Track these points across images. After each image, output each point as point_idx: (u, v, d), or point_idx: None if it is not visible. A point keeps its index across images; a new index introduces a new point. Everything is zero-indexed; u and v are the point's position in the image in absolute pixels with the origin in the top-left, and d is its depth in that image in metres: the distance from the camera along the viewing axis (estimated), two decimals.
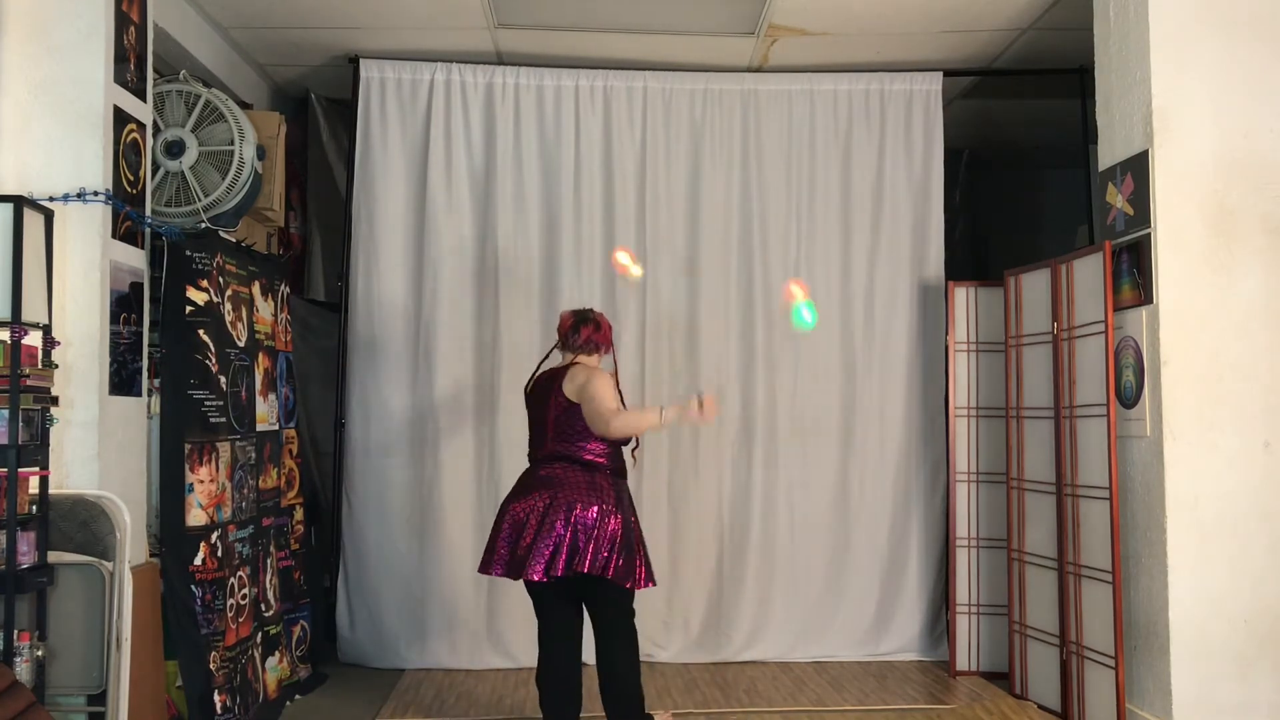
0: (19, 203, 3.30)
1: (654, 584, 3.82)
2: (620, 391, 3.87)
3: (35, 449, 3.23)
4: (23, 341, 3.18)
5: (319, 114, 5.92)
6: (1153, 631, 3.99)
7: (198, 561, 3.83)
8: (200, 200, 4.29)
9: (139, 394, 3.84)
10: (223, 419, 4.08)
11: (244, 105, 5.01)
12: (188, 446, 3.87)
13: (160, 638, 3.75)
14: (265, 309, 4.63)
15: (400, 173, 5.33)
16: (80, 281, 3.54)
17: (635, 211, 5.38)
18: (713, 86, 5.45)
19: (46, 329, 3.37)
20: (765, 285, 5.40)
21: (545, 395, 3.84)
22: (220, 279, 4.14)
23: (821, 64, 5.48)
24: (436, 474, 5.22)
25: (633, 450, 3.98)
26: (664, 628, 5.24)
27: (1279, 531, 3.93)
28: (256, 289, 4.53)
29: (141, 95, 3.90)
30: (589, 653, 3.84)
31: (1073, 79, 5.44)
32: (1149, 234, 4.02)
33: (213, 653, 3.82)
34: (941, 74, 5.51)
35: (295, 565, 4.79)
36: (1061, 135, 5.99)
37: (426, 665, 5.13)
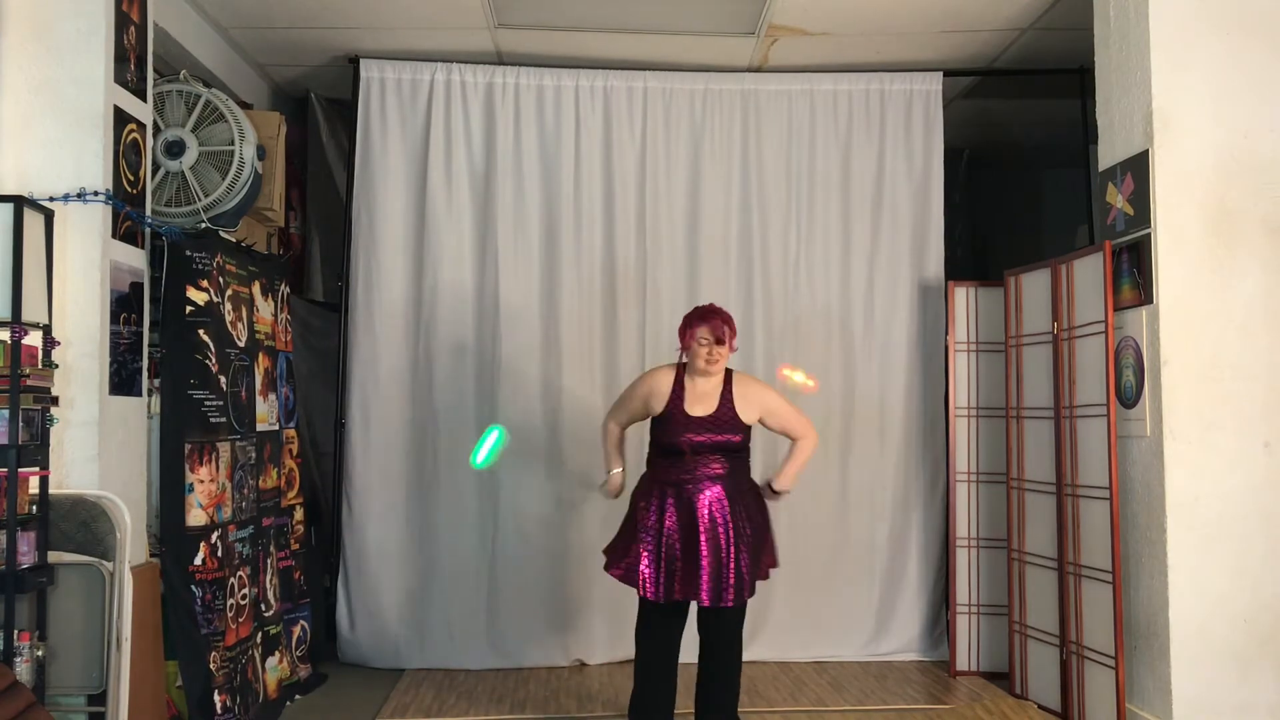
0: (19, 203, 3.30)
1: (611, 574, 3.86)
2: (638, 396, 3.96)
3: (35, 449, 3.23)
4: (23, 341, 3.18)
5: (319, 114, 5.92)
6: (1153, 631, 3.98)
7: (198, 561, 3.83)
8: (200, 200, 4.29)
9: (139, 394, 3.84)
10: (223, 419, 4.08)
11: (244, 105, 5.01)
12: (188, 446, 3.87)
13: (160, 638, 3.75)
14: (265, 309, 4.63)
15: (400, 173, 5.33)
16: (80, 281, 3.54)
17: (635, 211, 5.38)
18: (713, 86, 5.45)
19: (46, 329, 3.37)
20: (765, 285, 5.40)
21: None
22: (220, 279, 4.14)
23: (821, 64, 5.48)
24: (436, 474, 5.22)
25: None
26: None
27: (1279, 531, 3.93)
28: (256, 289, 4.53)
29: (141, 95, 3.90)
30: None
31: (1073, 79, 5.44)
32: (1149, 234, 4.02)
33: (213, 653, 3.82)
34: (941, 74, 5.51)
35: (295, 565, 4.79)
36: (1061, 135, 5.99)
37: (426, 665, 5.13)
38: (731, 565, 3.64)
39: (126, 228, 3.76)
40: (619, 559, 3.81)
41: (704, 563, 3.63)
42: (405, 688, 4.81)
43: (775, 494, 3.97)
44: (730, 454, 3.74)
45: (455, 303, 5.29)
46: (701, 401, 3.76)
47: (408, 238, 5.32)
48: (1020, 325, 4.82)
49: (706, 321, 3.74)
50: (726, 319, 3.77)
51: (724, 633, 3.75)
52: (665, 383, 3.82)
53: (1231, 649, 3.89)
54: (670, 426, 3.75)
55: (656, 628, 3.81)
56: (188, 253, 3.99)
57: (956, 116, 6.11)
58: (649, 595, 3.71)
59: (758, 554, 3.75)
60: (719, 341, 3.72)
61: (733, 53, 5.34)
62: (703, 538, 3.64)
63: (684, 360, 3.87)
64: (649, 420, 3.93)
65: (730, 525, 3.66)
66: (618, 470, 4.00)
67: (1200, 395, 3.94)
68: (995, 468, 5.06)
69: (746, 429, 3.80)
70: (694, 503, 3.67)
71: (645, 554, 3.72)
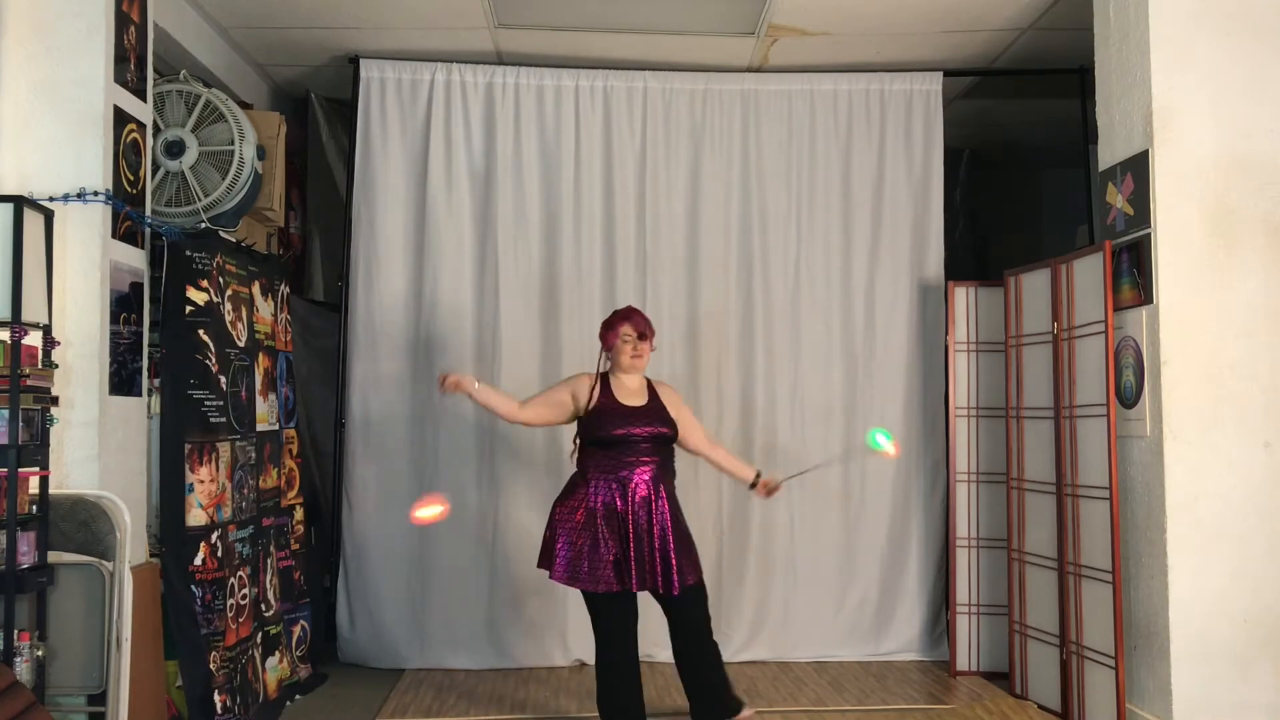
0: (19, 203, 3.30)
1: (555, 579, 3.86)
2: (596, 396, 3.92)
3: (35, 449, 3.23)
4: (23, 341, 3.18)
5: (319, 114, 5.92)
6: (1153, 631, 3.99)
7: (198, 561, 3.83)
8: (200, 200, 4.29)
9: (139, 394, 3.84)
10: (223, 419, 4.08)
11: (244, 105, 5.01)
12: (188, 446, 3.87)
13: (160, 638, 3.76)
14: (265, 309, 4.63)
15: (400, 173, 5.33)
16: (80, 281, 3.54)
17: (635, 211, 5.38)
18: (713, 86, 5.45)
19: (46, 329, 3.38)
20: (765, 285, 5.40)
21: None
22: (220, 279, 4.14)
23: (821, 64, 5.48)
24: (436, 474, 5.22)
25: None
26: (664, 627, 5.23)
27: (1279, 531, 3.93)
28: (256, 289, 4.53)
29: (141, 95, 3.91)
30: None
31: (1073, 79, 5.45)
32: (1149, 234, 4.02)
33: (213, 653, 3.82)
34: (941, 74, 5.51)
35: (295, 565, 4.79)
36: (1061, 135, 5.99)
37: (426, 665, 5.13)
38: (657, 553, 3.72)
39: (126, 228, 3.76)
40: (553, 563, 3.84)
41: (630, 551, 3.73)
42: (405, 688, 4.81)
43: (766, 489, 4.06)
44: (661, 445, 3.85)
45: (455, 303, 5.29)
46: (633, 396, 3.90)
47: (408, 238, 5.32)
48: (1020, 325, 4.82)
49: (629, 319, 3.92)
50: (646, 319, 3.96)
51: (687, 616, 3.84)
52: (587, 382, 3.94)
53: (1231, 649, 3.89)
54: (605, 418, 3.83)
55: (613, 621, 3.85)
56: (188, 253, 3.99)
57: (956, 116, 6.11)
58: (594, 589, 3.76)
59: (685, 545, 3.81)
60: (642, 337, 3.89)
61: (733, 53, 5.34)
62: (629, 523, 3.73)
63: (603, 369, 3.97)
64: (573, 426, 3.96)
65: (661, 511, 3.75)
66: (478, 384, 3.88)
67: (1200, 395, 3.94)
68: (995, 468, 5.06)
69: (674, 425, 3.90)
70: (627, 490, 3.76)
71: (581, 548, 3.78)
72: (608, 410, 3.83)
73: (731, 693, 3.95)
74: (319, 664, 4.95)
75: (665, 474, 3.85)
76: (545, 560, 3.88)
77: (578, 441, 3.96)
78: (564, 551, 3.79)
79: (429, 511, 3.84)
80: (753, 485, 4.07)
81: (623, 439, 3.79)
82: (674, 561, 3.72)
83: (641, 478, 3.77)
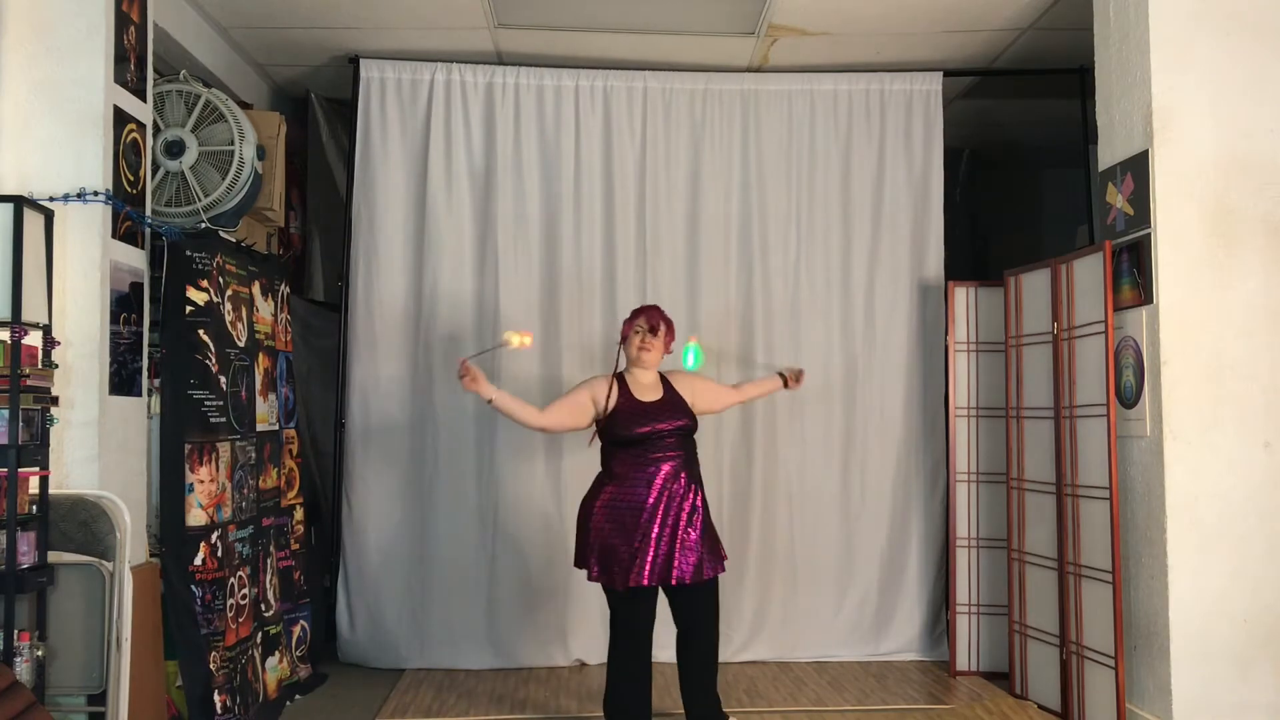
0: (19, 203, 3.30)
1: (592, 579, 3.88)
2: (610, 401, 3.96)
3: (35, 449, 3.24)
4: (23, 341, 3.18)
5: (319, 114, 5.92)
6: (1153, 631, 3.99)
7: (198, 561, 3.83)
8: (200, 200, 4.29)
9: (139, 394, 3.84)
10: (223, 419, 4.08)
11: (244, 105, 5.01)
12: (188, 446, 3.87)
13: (160, 638, 3.76)
14: (265, 309, 4.63)
15: (400, 173, 5.33)
16: (80, 281, 3.54)
17: (635, 211, 5.38)
18: (713, 86, 5.45)
19: (46, 329, 3.38)
20: (765, 285, 5.40)
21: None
22: (220, 279, 4.14)
23: (821, 64, 5.48)
24: (436, 474, 5.22)
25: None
26: (663, 627, 5.23)
27: (1279, 531, 3.93)
28: (256, 289, 4.53)
29: (141, 95, 3.91)
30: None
31: (1073, 79, 5.45)
32: (1149, 234, 4.02)
33: (213, 653, 3.82)
34: (941, 74, 5.51)
35: (295, 565, 4.79)
36: (1061, 135, 5.99)
37: (426, 665, 5.13)
38: (690, 545, 3.77)
39: (126, 228, 3.76)
40: (588, 563, 3.87)
41: (651, 545, 3.76)
42: (405, 688, 4.81)
43: (796, 379, 4.29)
44: (684, 438, 3.92)
45: (455, 302, 5.29)
46: (648, 392, 3.95)
47: (408, 238, 5.32)
48: (1020, 325, 4.82)
49: (644, 313, 4.03)
50: (664, 316, 4.04)
51: (700, 607, 3.88)
52: (604, 384, 3.99)
53: (1231, 649, 3.89)
54: (627, 418, 3.88)
55: (632, 620, 3.87)
56: (188, 253, 3.99)
57: (956, 116, 6.11)
58: (623, 585, 3.78)
59: (712, 537, 3.88)
60: (652, 330, 3.96)
61: (733, 53, 5.34)
62: (658, 517, 3.77)
63: (619, 370, 4.02)
64: (592, 432, 4.00)
65: (684, 504, 3.80)
66: (495, 391, 3.92)
67: (1200, 395, 3.94)
68: (995, 468, 5.06)
69: (693, 415, 3.97)
70: (658, 486, 3.79)
71: (611, 545, 3.80)
72: (628, 410, 3.88)
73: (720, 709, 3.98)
74: (319, 664, 4.95)
75: (692, 465, 3.91)
76: (581, 560, 3.90)
77: (598, 440, 4.01)
78: (597, 550, 3.81)
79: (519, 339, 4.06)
80: (785, 386, 4.27)
81: (647, 436, 3.83)
82: (698, 554, 3.78)
83: (671, 471, 3.81)
